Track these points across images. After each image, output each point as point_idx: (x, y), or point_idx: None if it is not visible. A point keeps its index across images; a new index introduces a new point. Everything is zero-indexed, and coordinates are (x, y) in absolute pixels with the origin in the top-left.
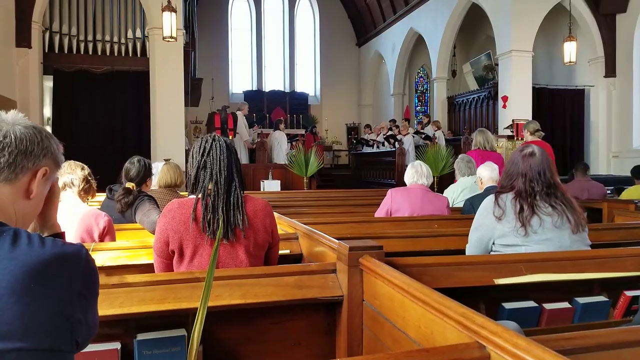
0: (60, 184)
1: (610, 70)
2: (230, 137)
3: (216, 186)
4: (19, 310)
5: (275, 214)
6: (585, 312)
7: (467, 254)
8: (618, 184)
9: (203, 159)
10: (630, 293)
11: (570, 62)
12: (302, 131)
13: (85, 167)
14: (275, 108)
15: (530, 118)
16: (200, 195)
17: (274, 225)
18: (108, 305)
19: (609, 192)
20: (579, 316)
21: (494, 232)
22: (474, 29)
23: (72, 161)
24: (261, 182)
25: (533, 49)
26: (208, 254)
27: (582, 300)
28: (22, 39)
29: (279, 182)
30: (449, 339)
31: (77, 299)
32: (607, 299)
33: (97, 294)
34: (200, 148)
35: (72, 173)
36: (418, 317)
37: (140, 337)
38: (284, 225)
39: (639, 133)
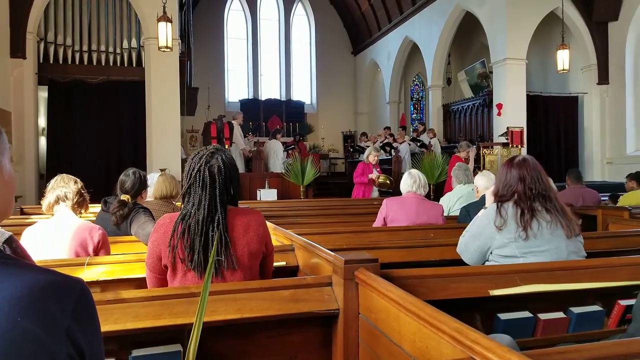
0: (53, 197)
1: (603, 78)
2: (227, 147)
3: (195, 216)
4: (3, 346)
5: (271, 224)
6: (580, 322)
7: (464, 258)
8: (612, 190)
9: (188, 187)
10: (624, 302)
11: (563, 69)
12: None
13: (78, 180)
14: (272, 117)
15: (524, 125)
16: (180, 222)
17: (267, 235)
18: (103, 322)
19: (604, 198)
20: (573, 326)
21: (493, 242)
22: (468, 37)
23: (65, 175)
24: (258, 191)
25: (527, 57)
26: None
27: (576, 310)
28: (17, 49)
29: (275, 191)
30: (444, 354)
31: (66, 333)
32: (601, 309)
33: (96, 325)
34: (187, 174)
35: (65, 187)
36: (413, 331)
37: (136, 353)
38: (280, 236)
39: (633, 139)
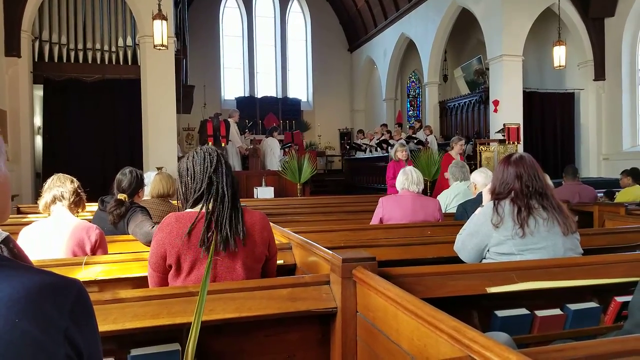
0: (49, 197)
1: (600, 74)
2: (223, 144)
3: (222, 204)
4: (1, 348)
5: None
6: (576, 319)
7: (461, 256)
8: (608, 186)
9: (208, 175)
10: (620, 299)
11: (559, 66)
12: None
13: (75, 179)
14: (268, 114)
15: (521, 122)
16: (204, 210)
17: (271, 238)
18: (101, 322)
19: (600, 194)
20: (570, 323)
21: (490, 239)
22: (464, 33)
23: (61, 174)
24: (254, 188)
25: (523, 53)
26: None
27: (573, 306)
28: (11, 48)
29: (272, 188)
30: (442, 352)
31: (64, 334)
32: (598, 305)
33: (93, 325)
34: (204, 161)
35: (61, 186)
36: (411, 330)
37: (134, 352)
38: (277, 235)
39: (629, 135)
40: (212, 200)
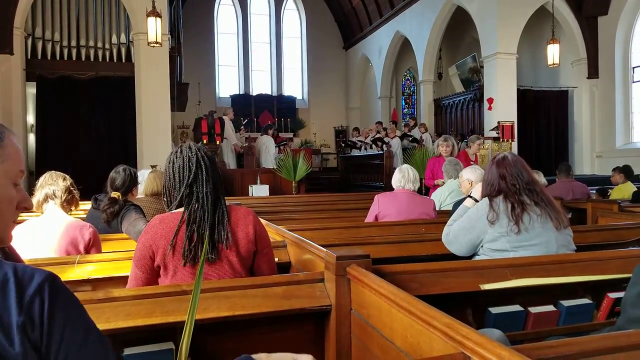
0: (42, 195)
1: (593, 72)
2: (218, 142)
3: (202, 213)
4: None
5: (263, 221)
6: (570, 315)
7: (452, 248)
8: (602, 183)
9: (189, 184)
10: (613, 295)
11: (553, 64)
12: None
13: (67, 177)
14: (263, 112)
15: (515, 119)
16: (184, 218)
17: (258, 232)
18: (94, 320)
19: (592, 191)
20: (564, 319)
21: (485, 235)
22: (459, 31)
23: (53, 172)
24: (249, 186)
25: (517, 52)
26: (190, 270)
27: (566, 303)
28: (4, 45)
29: (267, 186)
30: (435, 349)
31: (21, 329)
32: (591, 302)
33: (62, 320)
34: (183, 169)
35: (53, 184)
36: (405, 327)
37: (128, 351)
38: (272, 232)
39: (622, 133)
40: (192, 210)
